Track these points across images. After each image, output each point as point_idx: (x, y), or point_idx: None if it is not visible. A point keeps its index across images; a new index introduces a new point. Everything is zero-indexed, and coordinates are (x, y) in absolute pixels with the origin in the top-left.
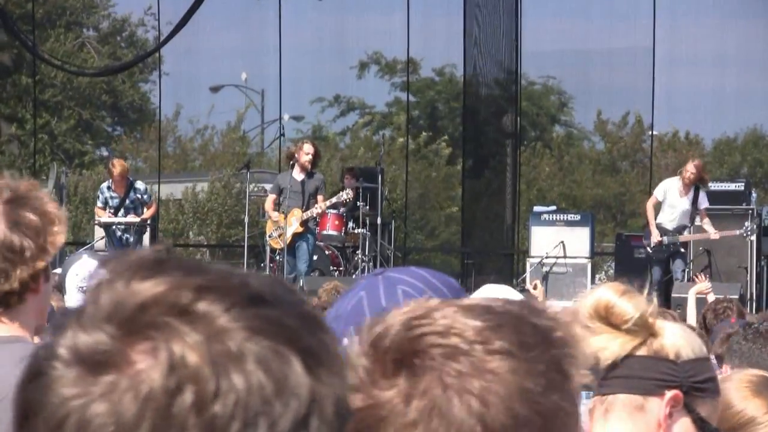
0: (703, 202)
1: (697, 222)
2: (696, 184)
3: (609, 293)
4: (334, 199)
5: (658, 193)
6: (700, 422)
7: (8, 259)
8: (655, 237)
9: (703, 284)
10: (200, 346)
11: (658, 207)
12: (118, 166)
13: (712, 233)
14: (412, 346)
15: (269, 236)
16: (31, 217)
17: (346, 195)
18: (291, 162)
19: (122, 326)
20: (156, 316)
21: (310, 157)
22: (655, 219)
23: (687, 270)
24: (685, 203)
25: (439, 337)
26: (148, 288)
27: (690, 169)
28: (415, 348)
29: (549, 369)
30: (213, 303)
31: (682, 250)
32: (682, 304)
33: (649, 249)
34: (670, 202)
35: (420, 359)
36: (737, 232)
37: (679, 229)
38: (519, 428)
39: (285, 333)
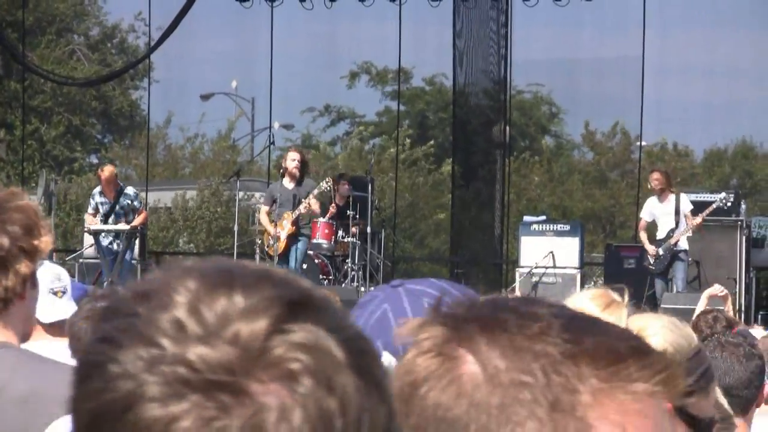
0: (686, 206)
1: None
2: (671, 190)
3: (591, 306)
4: (315, 191)
5: (645, 214)
6: (691, 420)
7: None
8: (651, 251)
9: (715, 287)
10: (341, 374)
11: (653, 226)
12: (106, 170)
13: (693, 221)
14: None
15: (267, 246)
16: (17, 222)
17: (326, 183)
18: (281, 171)
19: (246, 349)
20: (276, 345)
21: (296, 163)
22: (655, 237)
23: (686, 276)
24: (666, 211)
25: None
26: (259, 312)
27: (651, 181)
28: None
29: None
30: (314, 329)
31: (680, 255)
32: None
33: (650, 266)
34: (656, 217)
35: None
36: (714, 206)
37: (669, 234)
38: None
39: (368, 361)
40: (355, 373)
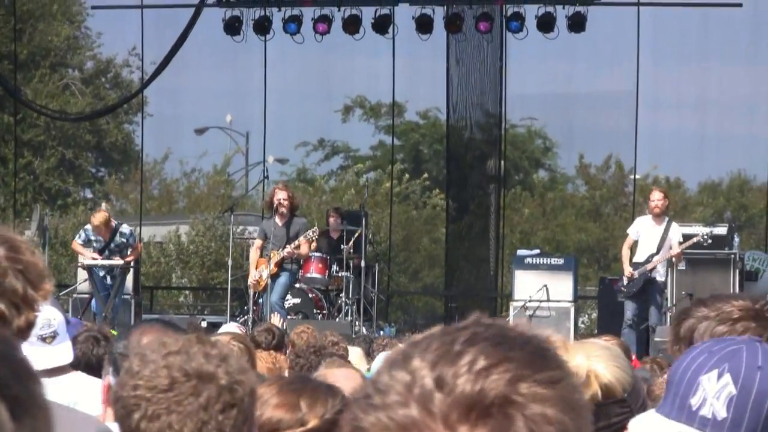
0: (675, 236)
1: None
2: (666, 216)
3: None
4: (301, 238)
5: (632, 231)
6: None
7: (14, 304)
8: (627, 271)
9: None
10: None
11: (636, 247)
12: (96, 219)
13: (673, 251)
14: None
15: (249, 283)
16: (31, 267)
17: (312, 233)
18: (269, 206)
19: None
20: None
21: (281, 201)
22: (633, 259)
23: (664, 306)
24: (654, 234)
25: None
26: None
27: (651, 201)
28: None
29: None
30: None
31: (655, 283)
32: (664, 348)
33: (623, 288)
34: (643, 238)
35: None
36: (694, 240)
37: (648, 260)
38: None
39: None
40: None
